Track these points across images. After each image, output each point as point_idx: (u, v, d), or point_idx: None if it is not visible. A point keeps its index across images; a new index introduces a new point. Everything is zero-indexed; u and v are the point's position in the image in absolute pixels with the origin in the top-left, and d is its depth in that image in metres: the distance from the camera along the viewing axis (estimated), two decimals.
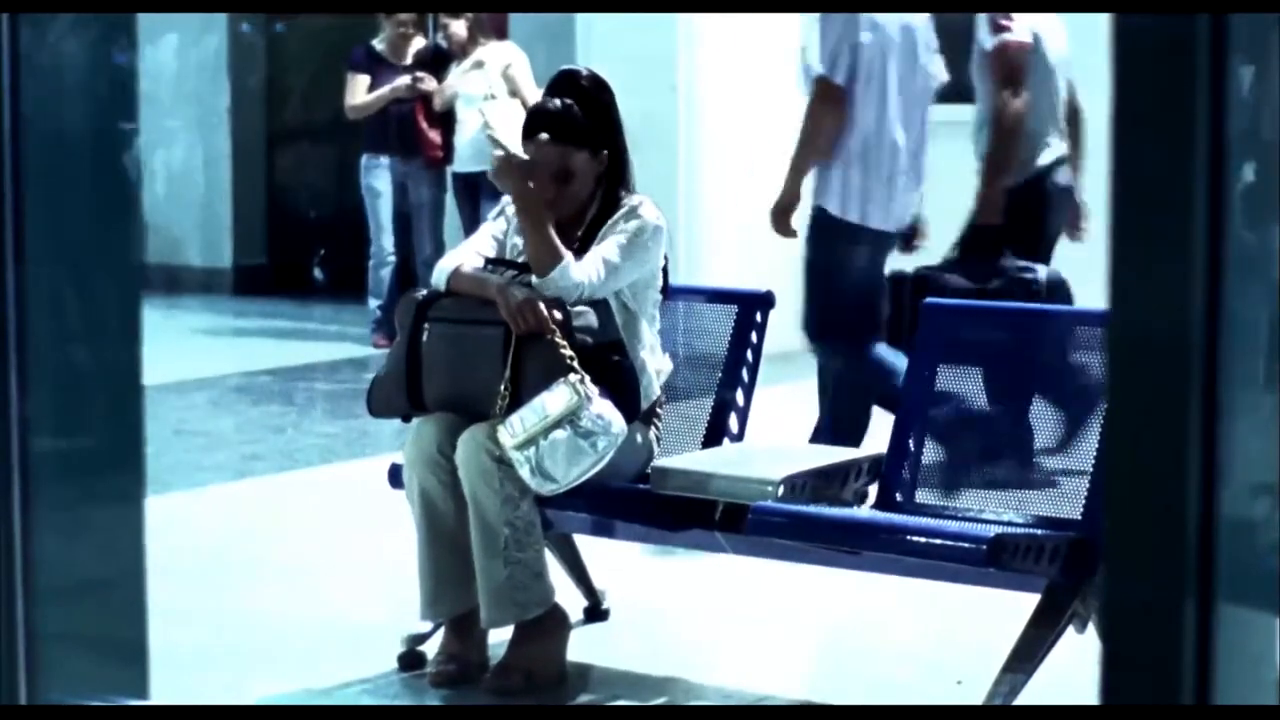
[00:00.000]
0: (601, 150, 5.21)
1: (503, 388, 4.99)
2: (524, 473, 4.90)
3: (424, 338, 5.13)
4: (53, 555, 2.17)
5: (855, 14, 6.85)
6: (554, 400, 4.90)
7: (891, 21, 6.93)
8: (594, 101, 5.22)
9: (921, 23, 7.10)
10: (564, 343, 4.95)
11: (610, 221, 5.18)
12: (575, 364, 4.92)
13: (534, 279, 5.07)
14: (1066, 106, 7.59)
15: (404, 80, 11.38)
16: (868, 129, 6.94)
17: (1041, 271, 7.15)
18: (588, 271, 5.07)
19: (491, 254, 5.27)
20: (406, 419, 5.26)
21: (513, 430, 4.91)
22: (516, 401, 4.97)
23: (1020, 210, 7.32)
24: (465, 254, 5.27)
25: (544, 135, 5.14)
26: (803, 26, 7.86)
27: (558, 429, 4.87)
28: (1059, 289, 7.07)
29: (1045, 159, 7.48)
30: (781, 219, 7.07)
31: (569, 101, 5.19)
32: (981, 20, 7.41)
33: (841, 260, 7.02)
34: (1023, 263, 7.19)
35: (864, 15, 6.86)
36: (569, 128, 5.15)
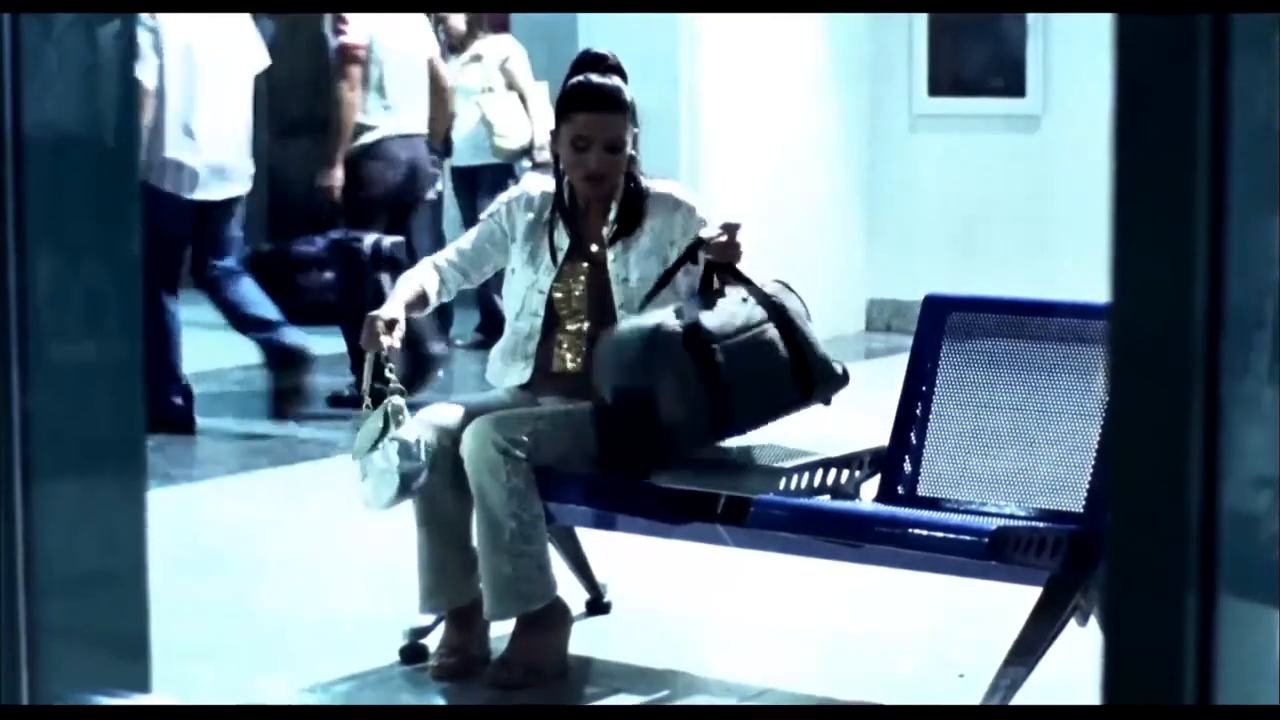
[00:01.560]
0: (635, 126, 5.25)
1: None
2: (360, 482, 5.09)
3: (718, 358, 4.98)
4: (54, 548, 2.17)
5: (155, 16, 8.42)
6: (373, 422, 5.03)
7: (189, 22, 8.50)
8: (624, 77, 5.29)
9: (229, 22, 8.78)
10: (389, 362, 5.04)
11: (659, 217, 5.19)
12: (394, 380, 5.01)
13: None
14: (431, 85, 9.55)
15: None
16: (171, 115, 8.43)
17: (368, 239, 8.91)
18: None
19: (469, 252, 5.32)
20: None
21: (357, 444, 5.08)
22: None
23: (346, 186, 9.15)
24: (421, 271, 5.36)
25: (605, 109, 5.18)
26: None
27: (374, 452, 4.99)
28: (387, 255, 8.86)
29: (366, 139, 9.20)
30: None
31: (615, 76, 5.23)
32: (327, 21, 9.39)
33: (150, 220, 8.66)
34: (353, 232, 8.99)
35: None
36: (621, 99, 5.21)
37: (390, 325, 5.09)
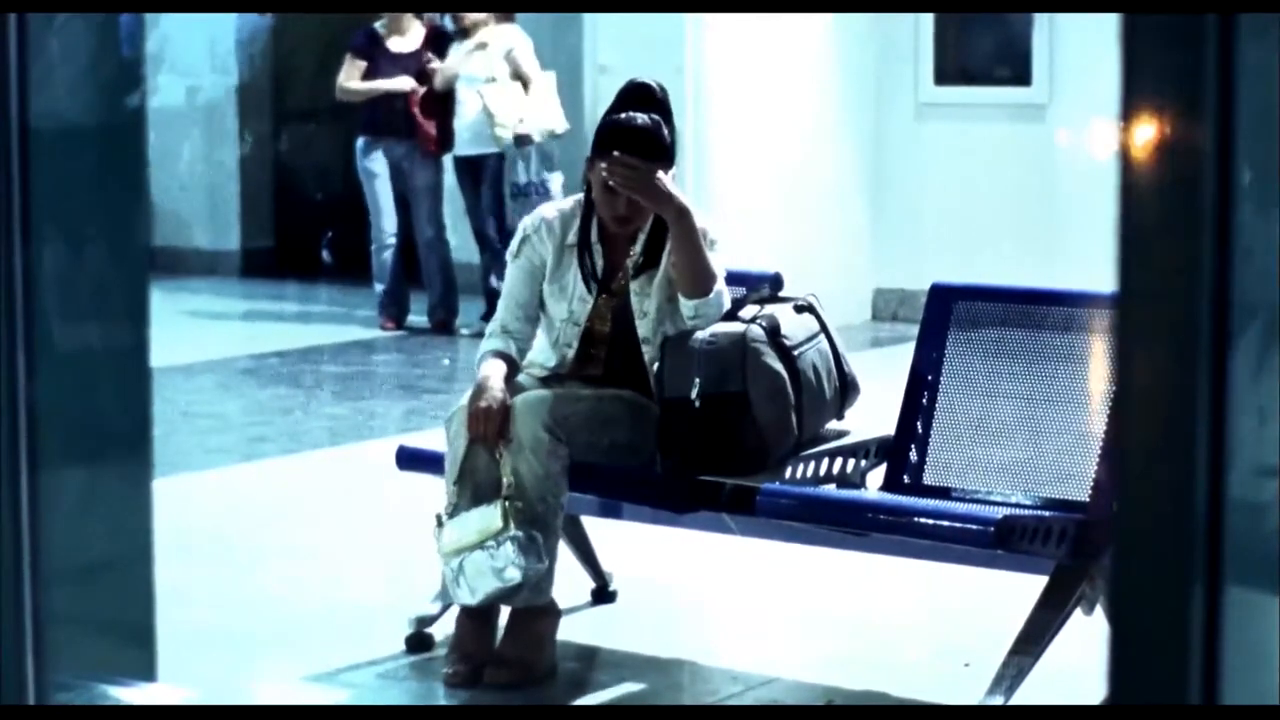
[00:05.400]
0: (672, 165, 5.16)
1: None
2: (447, 576, 4.93)
3: (799, 365, 5.03)
4: (60, 537, 2.18)
5: None
6: (481, 520, 4.85)
7: None
8: (668, 116, 5.19)
9: None
10: (503, 456, 4.89)
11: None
12: (512, 488, 4.85)
13: (691, 302, 5.01)
14: None
15: (405, 83, 11.25)
16: None
17: None
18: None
19: (525, 300, 5.21)
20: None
21: (447, 538, 4.91)
22: None
23: None
24: (494, 344, 5.19)
25: (634, 153, 5.04)
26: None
27: (478, 550, 4.85)
28: None
29: None
30: None
31: (656, 118, 5.14)
32: None
33: None
34: None
35: None
36: (657, 145, 5.10)
37: (503, 419, 4.91)
